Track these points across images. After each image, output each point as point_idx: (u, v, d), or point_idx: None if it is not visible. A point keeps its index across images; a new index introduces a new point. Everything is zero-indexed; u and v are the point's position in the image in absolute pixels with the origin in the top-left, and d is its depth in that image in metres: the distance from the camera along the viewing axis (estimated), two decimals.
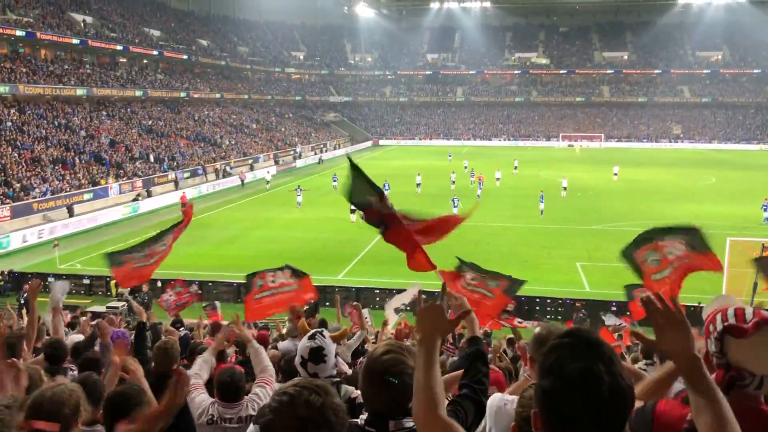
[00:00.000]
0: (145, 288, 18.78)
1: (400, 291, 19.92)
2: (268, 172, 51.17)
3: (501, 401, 2.97)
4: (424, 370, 2.02)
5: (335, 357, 3.46)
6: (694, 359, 1.72)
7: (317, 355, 3.31)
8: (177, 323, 11.93)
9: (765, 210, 32.23)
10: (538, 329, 3.26)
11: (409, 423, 2.36)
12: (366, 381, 2.44)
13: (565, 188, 40.75)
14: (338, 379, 3.53)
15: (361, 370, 2.52)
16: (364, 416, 2.49)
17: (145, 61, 67.96)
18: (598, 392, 1.45)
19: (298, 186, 40.01)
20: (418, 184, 43.07)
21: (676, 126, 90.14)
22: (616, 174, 50.10)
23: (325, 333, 3.44)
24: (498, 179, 45.82)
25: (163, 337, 7.26)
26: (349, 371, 5.89)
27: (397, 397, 2.36)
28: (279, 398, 1.79)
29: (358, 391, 3.32)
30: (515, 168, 54.21)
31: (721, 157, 69.87)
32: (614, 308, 16.64)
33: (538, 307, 19.45)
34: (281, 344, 7.85)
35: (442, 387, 2.01)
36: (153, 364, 5.25)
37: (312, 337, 3.39)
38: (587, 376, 1.46)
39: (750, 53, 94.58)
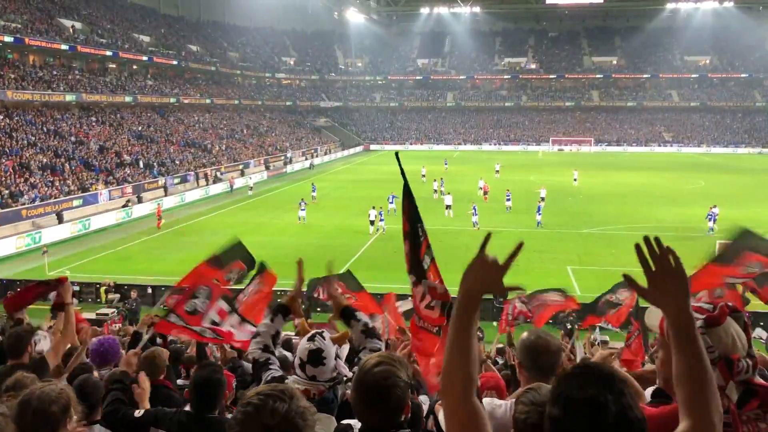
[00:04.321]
0: (133, 295, 18.66)
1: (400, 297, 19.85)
2: (250, 178, 51.02)
3: (490, 406, 2.96)
4: (461, 337, 1.77)
5: (336, 359, 3.36)
6: (688, 315, 1.65)
7: (316, 357, 3.18)
8: None
9: (710, 219, 30.47)
10: (525, 334, 3.22)
11: None
12: (357, 394, 2.35)
13: (543, 198, 37.08)
14: (336, 378, 3.36)
15: (352, 383, 2.44)
16: (358, 425, 2.44)
17: (134, 67, 67.68)
18: (604, 422, 1.44)
19: (302, 199, 36.61)
20: (435, 190, 42.12)
21: (666, 131, 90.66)
22: (575, 179, 49.07)
23: (326, 334, 3.31)
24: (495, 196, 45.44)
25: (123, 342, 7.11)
26: (350, 374, 5.52)
27: (391, 410, 2.31)
28: (244, 409, 1.75)
29: None
30: (497, 172, 53.83)
31: (710, 161, 70.42)
32: None
33: None
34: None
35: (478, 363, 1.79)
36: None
37: (311, 339, 3.25)
38: (593, 405, 1.46)
39: (737, 58, 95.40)
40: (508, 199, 37.27)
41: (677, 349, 1.67)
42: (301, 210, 34.89)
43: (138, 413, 3.86)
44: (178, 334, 6.12)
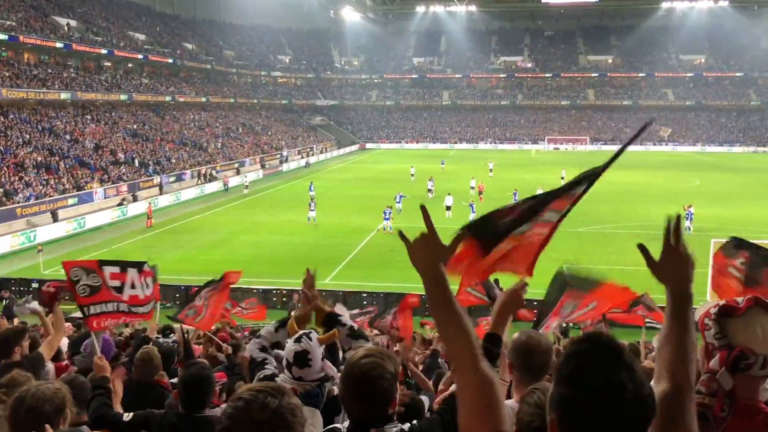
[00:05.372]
0: None
1: (387, 294, 19.93)
2: (245, 177, 50.98)
3: None
4: (446, 309, 1.79)
5: (323, 360, 3.36)
6: (687, 292, 1.84)
7: (302, 358, 3.20)
8: (167, 329, 11.58)
9: (686, 218, 30.51)
10: (517, 335, 3.18)
11: (391, 430, 2.33)
12: (345, 387, 2.37)
13: None
14: (322, 375, 3.36)
15: (340, 377, 2.46)
16: (345, 424, 2.45)
17: (130, 65, 67.50)
18: (622, 401, 1.41)
19: (312, 199, 36.12)
20: (429, 189, 41.88)
21: (663, 129, 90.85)
22: (563, 178, 47.97)
23: (313, 336, 3.30)
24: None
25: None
26: (337, 375, 5.54)
27: (377, 402, 2.31)
28: (235, 404, 1.77)
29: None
30: (490, 171, 53.81)
31: (705, 160, 70.60)
32: None
33: None
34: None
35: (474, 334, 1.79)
36: (133, 373, 5.16)
37: (298, 340, 3.25)
38: (611, 386, 1.42)
39: (732, 57, 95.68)
40: (515, 199, 36.88)
41: (670, 320, 1.85)
42: (311, 210, 34.49)
43: (127, 417, 3.85)
44: (106, 325, 5.91)
